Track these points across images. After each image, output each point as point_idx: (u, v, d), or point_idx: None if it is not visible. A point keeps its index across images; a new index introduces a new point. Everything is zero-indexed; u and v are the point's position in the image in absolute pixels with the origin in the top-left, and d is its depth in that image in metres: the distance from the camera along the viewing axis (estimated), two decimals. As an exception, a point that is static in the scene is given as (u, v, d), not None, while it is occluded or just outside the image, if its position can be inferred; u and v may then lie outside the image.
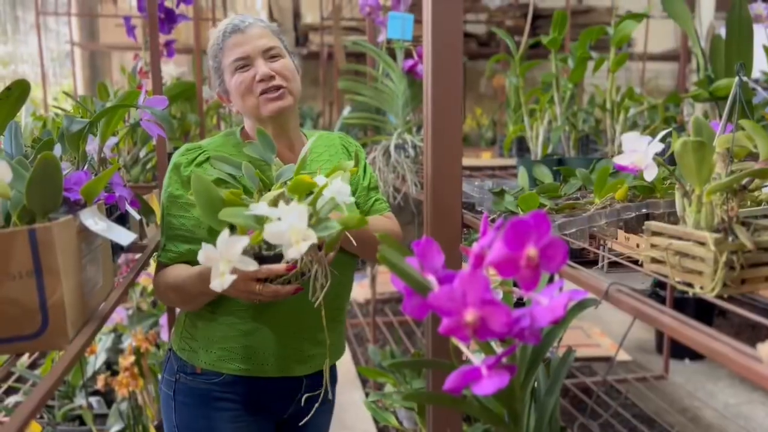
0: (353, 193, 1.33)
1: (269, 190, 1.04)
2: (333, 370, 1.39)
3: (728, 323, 3.63)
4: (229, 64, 1.24)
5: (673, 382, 3.03)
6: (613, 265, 1.09)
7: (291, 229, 0.82)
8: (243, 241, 0.84)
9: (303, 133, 1.36)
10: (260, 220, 0.88)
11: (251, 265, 0.85)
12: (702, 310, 3.15)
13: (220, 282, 0.84)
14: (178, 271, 1.18)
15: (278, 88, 1.23)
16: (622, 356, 3.26)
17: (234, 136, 1.30)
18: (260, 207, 0.87)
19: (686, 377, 3.13)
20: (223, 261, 0.84)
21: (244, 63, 1.23)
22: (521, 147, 2.25)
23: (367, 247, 1.23)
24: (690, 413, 2.77)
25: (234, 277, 0.84)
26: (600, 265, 1.08)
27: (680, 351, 3.24)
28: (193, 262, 1.17)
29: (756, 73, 1.33)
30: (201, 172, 1.19)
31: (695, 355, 3.31)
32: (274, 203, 0.96)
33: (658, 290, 3.19)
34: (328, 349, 1.20)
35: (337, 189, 0.91)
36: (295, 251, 0.83)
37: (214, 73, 1.30)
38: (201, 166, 1.21)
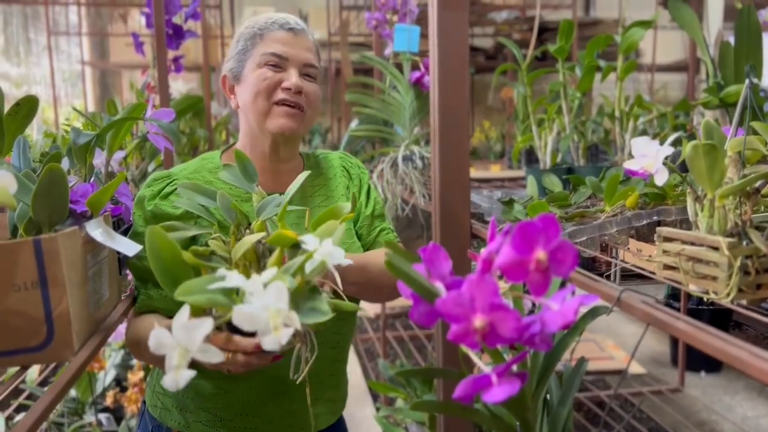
0: (354, 223, 1.19)
1: (249, 225, 0.89)
2: (341, 424, 1.23)
3: (743, 335, 3.58)
4: (262, 54, 1.09)
5: (688, 395, 2.98)
6: (626, 277, 1.08)
7: (268, 312, 0.63)
8: (206, 326, 0.63)
9: (301, 154, 1.20)
10: (230, 293, 0.69)
11: (216, 357, 0.65)
12: (716, 322, 3.11)
13: (174, 379, 0.61)
14: (147, 324, 0.99)
15: (299, 107, 1.09)
16: (637, 369, 3.21)
17: (211, 160, 1.14)
18: (233, 277, 0.67)
19: (702, 390, 3.08)
20: (180, 350, 0.62)
21: (279, 63, 1.08)
22: (530, 159, 2.24)
23: (370, 289, 1.06)
24: (707, 427, 2.72)
25: (193, 373, 0.62)
26: (611, 271, 1.07)
27: (696, 363, 3.19)
28: (166, 310, 1.03)
29: (766, 80, 1.32)
30: (166, 205, 1.05)
31: (711, 368, 3.26)
32: (252, 254, 0.80)
33: (671, 302, 3.15)
34: (309, 407, 1.03)
35: (327, 251, 0.72)
36: (272, 341, 0.63)
37: (234, 54, 1.13)
38: (167, 198, 1.05)
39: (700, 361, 3.20)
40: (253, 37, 1.11)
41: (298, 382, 0.77)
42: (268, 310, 0.63)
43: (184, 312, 0.64)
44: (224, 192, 0.92)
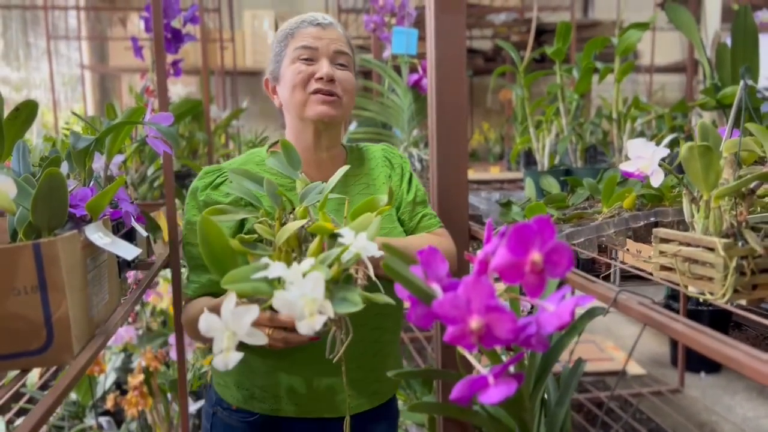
0: (397, 209, 1.23)
1: (293, 211, 0.94)
2: (393, 403, 1.26)
3: (743, 336, 3.58)
4: (294, 50, 1.15)
5: (688, 396, 2.98)
6: (626, 278, 1.08)
7: (304, 300, 0.68)
8: (253, 313, 0.68)
9: (344, 146, 1.27)
10: (273, 280, 0.74)
11: (261, 340, 0.70)
12: (716, 323, 3.10)
13: (223, 359, 0.67)
14: (200, 306, 1.06)
15: (333, 94, 1.13)
16: (637, 370, 3.21)
17: (258, 154, 1.21)
18: (275, 267, 0.72)
19: (702, 391, 3.08)
20: (228, 334, 0.68)
21: (310, 55, 1.14)
22: (529, 160, 2.24)
23: None
24: (708, 427, 2.72)
25: (240, 355, 0.68)
26: (610, 272, 1.07)
27: (696, 364, 3.19)
28: (219, 293, 1.10)
29: (762, 81, 1.32)
30: (217, 194, 1.12)
31: (711, 368, 3.26)
32: (295, 240, 0.85)
33: (671, 303, 3.15)
34: (346, 388, 1.05)
35: (362, 245, 0.76)
36: (306, 326, 0.68)
37: (272, 57, 1.20)
38: (218, 189, 1.13)
39: (699, 362, 3.20)
40: (286, 37, 1.17)
41: (334, 362, 0.82)
42: (304, 298, 0.68)
43: (232, 298, 0.68)
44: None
